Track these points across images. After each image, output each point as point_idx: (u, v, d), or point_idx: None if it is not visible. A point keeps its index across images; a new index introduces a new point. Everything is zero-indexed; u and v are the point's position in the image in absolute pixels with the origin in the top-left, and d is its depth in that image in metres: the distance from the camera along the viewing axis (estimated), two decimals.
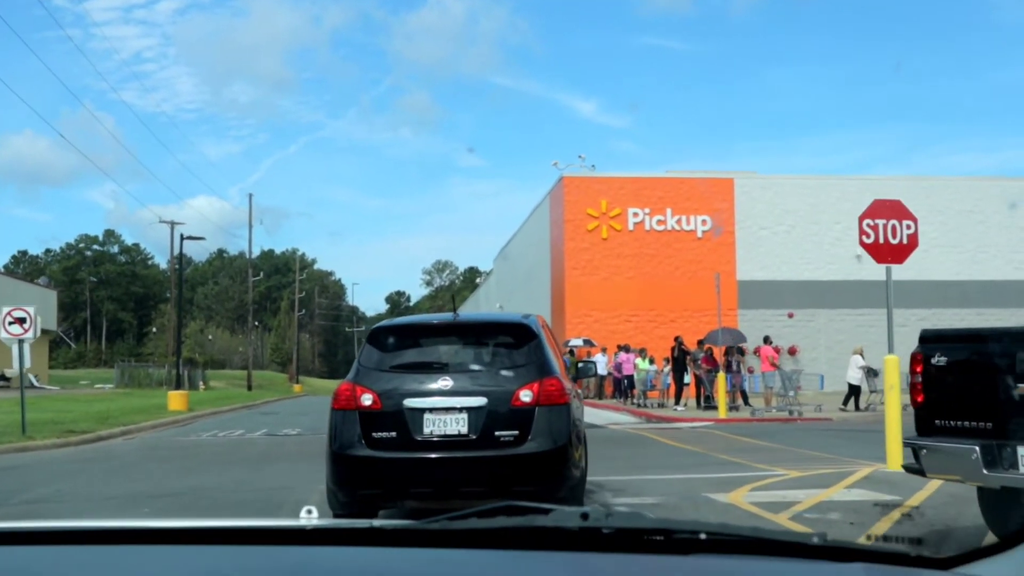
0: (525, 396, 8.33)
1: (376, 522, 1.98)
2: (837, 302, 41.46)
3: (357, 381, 8.61)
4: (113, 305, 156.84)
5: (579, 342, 39.87)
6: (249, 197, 72.48)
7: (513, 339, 8.94)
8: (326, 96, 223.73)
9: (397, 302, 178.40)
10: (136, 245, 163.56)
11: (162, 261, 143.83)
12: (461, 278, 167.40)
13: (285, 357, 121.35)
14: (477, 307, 76.28)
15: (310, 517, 2.12)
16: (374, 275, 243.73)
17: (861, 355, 26.62)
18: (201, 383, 69.48)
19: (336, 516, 8.36)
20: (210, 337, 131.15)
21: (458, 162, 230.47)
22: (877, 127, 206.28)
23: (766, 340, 27.94)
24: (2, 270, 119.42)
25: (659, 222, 41.24)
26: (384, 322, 9.61)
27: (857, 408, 26.26)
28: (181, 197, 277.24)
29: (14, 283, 62.57)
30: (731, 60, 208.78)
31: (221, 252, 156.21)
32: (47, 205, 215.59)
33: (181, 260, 34.31)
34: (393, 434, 8.32)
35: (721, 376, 25.26)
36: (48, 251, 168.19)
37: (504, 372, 8.56)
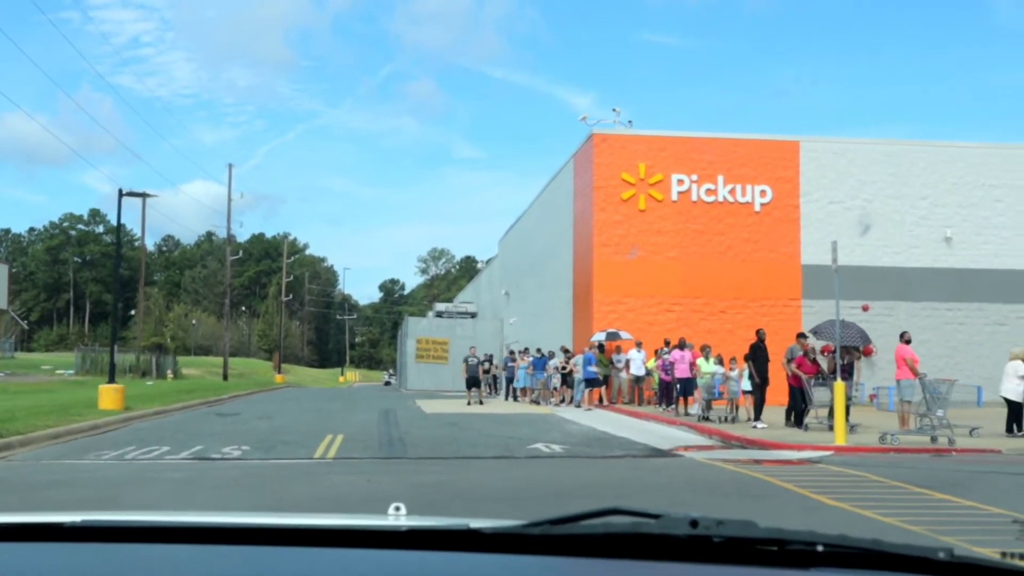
0: None
1: (474, 523, 1.86)
2: (922, 294, 34.21)
3: None
4: (97, 287, 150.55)
5: (602, 336, 32.58)
6: (228, 167, 65.56)
7: None
8: (325, 84, 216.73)
9: (391, 290, 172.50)
10: (123, 225, 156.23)
11: (149, 243, 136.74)
12: (457, 266, 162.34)
13: (272, 344, 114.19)
14: (478, 296, 68.83)
15: (399, 515, 2.05)
16: (369, 263, 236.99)
17: (1023, 361, 19.28)
18: (170, 372, 62.51)
19: None
20: (194, 322, 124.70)
21: (455, 153, 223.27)
22: (886, 127, 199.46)
23: (903, 338, 20.16)
24: None
25: (708, 192, 33.92)
26: None
27: (1019, 430, 19.03)
28: (175, 182, 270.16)
29: None
30: (733, 57, 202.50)
31: (210, 235, 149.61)
32: (38, 186, 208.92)
33: (120, 223, 27.09)
34: None
35: (840, 386, 17.88)
36: (32, 230, 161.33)
37: None
